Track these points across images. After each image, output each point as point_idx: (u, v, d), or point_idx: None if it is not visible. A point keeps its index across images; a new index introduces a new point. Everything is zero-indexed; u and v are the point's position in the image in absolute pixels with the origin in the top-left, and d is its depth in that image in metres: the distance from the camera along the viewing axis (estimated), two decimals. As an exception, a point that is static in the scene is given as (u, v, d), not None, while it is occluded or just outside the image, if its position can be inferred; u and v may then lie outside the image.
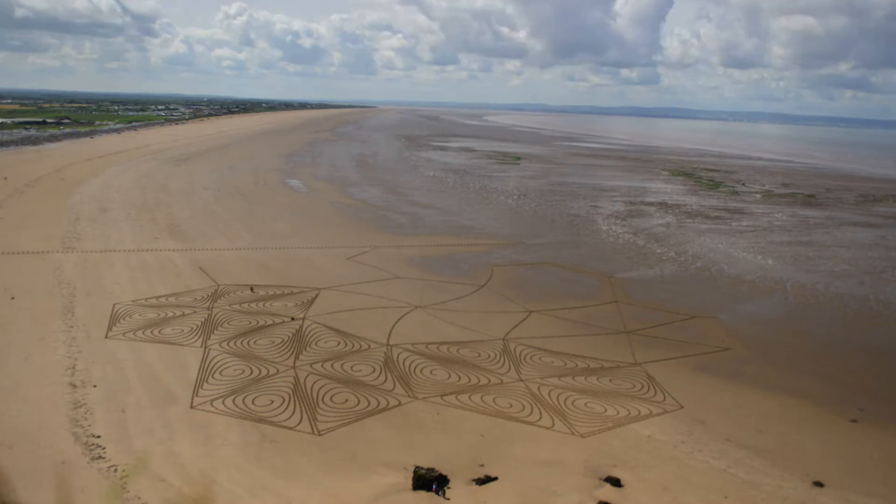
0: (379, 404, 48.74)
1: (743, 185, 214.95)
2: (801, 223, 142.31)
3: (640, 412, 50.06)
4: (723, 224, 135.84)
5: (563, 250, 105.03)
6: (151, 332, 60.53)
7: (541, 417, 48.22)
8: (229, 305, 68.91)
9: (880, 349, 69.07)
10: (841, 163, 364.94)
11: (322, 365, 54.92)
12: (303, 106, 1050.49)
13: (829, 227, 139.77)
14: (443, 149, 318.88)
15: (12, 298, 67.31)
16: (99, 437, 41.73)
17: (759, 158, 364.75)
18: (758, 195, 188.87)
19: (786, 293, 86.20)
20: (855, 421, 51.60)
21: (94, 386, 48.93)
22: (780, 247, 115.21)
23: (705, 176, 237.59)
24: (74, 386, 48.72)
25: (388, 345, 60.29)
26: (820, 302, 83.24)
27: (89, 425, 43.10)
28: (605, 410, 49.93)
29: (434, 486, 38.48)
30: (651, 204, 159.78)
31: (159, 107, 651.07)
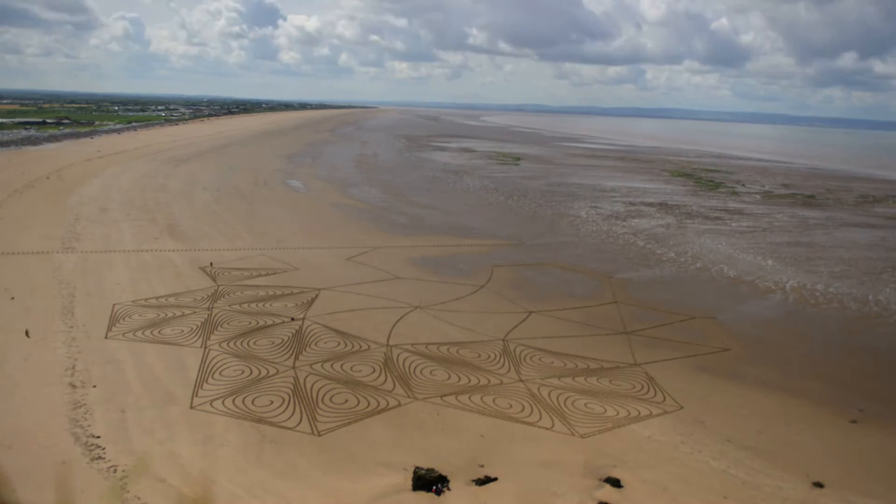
0: (379, 405, 48.75)
1: (743, 185, 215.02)
2: (801, 224, 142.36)
3: (639, 413, 50.07)
4: (723, 225, 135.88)
5: (564, 251, 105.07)
6: (151, 332, 60.54)
7: (541, 418, 48.24)
8: (229, 306, 68.93)
9: (880, 350, 69.12)
10: (840, 164, 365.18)
11: (322, 365, 54.93)
12: (303, 106, 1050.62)
13: (829, 227, 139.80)
14: (442, 149, 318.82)
15: (12, 299, 67.32)
16: (99, 437, 41.75)
17: (759, 159, 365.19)
18: (757, 196, 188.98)
19: (785, 294, 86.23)
20: (855, 422, 51.62)
21: (94, 386, 48.95)
22: (779, 247, 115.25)
23: (705, 176, 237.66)
24: (74, 386, 48.74)
25: (387, 345, 60.31)
26: (819, 303, 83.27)
27: (89, 426, 43.11)
28: (605, 411, 49.94)
29: (434, 487, 38.53)
30: (651, 204, 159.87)
31: (159, 107, 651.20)
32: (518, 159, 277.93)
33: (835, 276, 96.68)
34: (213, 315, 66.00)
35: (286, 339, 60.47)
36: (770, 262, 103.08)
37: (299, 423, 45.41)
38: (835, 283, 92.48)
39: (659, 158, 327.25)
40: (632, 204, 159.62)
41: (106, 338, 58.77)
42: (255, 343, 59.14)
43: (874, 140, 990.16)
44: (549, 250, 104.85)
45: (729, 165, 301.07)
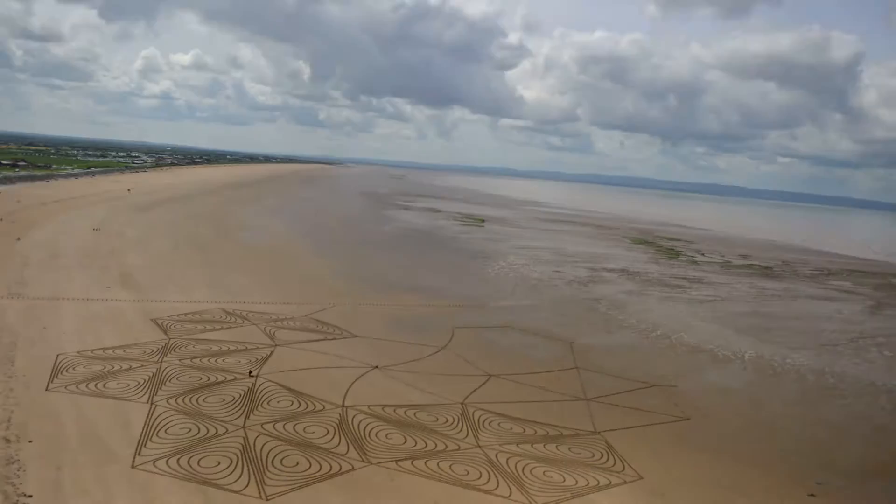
0: (331, 468, 46.88)
1: (702, 254, 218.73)
2: (760, 294, 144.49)
3: (598, 482, 48.92)
4: (682, 293, 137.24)
5: (526, 314, 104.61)
6: (95, 385, 57.90)
7: (498, 486, 46.78)
8: (179, 360, 66.54)
9: (837, 422, 69.27)
10: (796, 237, 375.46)
11: (273, 425, 52.90)
12: (267, 160, 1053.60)
13: (787, 298, 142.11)
14: (406, 208, 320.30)
15: (-50, 345, 64.17)
16: (31, 496, 39.16)
17: (717, 230, 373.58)
18: (717, 265, 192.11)
19: (744, 363, 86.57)
20: (812, 495, 51.11)
21: (30, 441, 46.27)
22: (738, 317, 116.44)
23: (665, 245, 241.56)
24: (8, 440, 46.00)
25: (343, 406, 58.53)
26: (777, 373, 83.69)
27: (20, 483, 40.48)
28: (564, 479, 48.69)
29: None
30: (612, 270, 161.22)
31: (120, 154, 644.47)
32: (482, 221, 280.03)
33: (792, 347, 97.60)
34: (163, 369, 63.56)
35: (237, 396, 58.31)
36: (729, 331, 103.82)
37: (246, 485, 43.27)
38: (792, 354, 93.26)
39: (620, 225, 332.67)
40: (594, 269, 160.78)
41: (47, 389, 56.00)
42: (204, 400, 56.86)
43: (821, 215, 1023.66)
44: (511, 313, 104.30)
45: (688, 234, 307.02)
